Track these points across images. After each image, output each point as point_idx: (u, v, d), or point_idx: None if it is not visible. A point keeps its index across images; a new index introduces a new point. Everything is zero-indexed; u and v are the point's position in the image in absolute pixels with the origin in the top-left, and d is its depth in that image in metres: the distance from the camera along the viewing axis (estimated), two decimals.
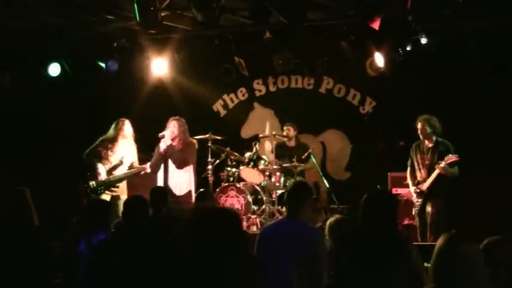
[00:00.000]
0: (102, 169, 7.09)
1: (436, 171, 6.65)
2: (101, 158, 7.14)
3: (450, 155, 6.60)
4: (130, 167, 7.29)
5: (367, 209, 3.66)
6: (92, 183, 7.09)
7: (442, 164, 6.57)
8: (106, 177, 7.11)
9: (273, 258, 4.03)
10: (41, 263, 4.30)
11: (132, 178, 7.57)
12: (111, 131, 7.26)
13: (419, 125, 6.86)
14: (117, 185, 7.18)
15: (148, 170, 7.18)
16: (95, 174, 7.10)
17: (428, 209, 6.76)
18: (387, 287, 3.48)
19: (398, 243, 3.60)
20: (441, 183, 6.70)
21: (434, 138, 6.82)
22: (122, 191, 7.21)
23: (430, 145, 6.84)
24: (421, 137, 6.90)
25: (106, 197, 7.01)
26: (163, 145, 6.93)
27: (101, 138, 7.27)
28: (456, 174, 6.73)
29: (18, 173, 8.13)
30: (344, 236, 3.84)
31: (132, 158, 7.32)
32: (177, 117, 7.12)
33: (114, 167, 7.17)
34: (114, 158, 7.19)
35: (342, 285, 3.68)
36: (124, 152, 7.25)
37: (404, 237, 3.80)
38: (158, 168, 7.03)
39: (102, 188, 7.09)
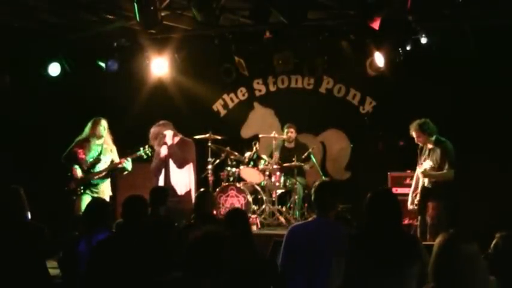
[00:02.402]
0: (77, 169, 7.08)
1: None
2: (77, 159, 7.13)
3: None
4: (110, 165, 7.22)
5: (373, 209, 3.60)
6: (71, 184, 7.11)
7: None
8: (82, 176, 7.08)
9: (310, 256, 4.03)
10: (35, 258, 4.34)
11: (133, 178, 7.54)
12: (85, 130, 7.23)
13: (414, 134, 6.70)
14: (98, 186, 7.13)
15: (125, 164, 7.12)
16: (72, 175, 7.10)
17: (429, 211, 6.70)
18: (399, 287, 3.44)
19: (411, 243, 3.55)
20: (440, 185, 6.62)
21: (433, 139, 6.74)
22: (103, 192, 7.14)
23: (431, 146, 6.75)
24: (420, 144, 6.79)
25: (87, 198, 6.95)
26: (164, 150, 6.94)
27: (76, 139, 7.26)
28: (450, 178, 6.56)
29: (18, 172, 8.12)
30: (351, 236, 3.76)
31: (110, 156, 7.24)
32: (160, 122, 7.07)
33: (91, 166, 7.13)
34: (89, 157, 7.16)
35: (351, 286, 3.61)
36: (99, 150, 7.21)
37: (415, 237, 3.73)
38: (160, 172, 7.04)
39: (82, 187, 7.08)
